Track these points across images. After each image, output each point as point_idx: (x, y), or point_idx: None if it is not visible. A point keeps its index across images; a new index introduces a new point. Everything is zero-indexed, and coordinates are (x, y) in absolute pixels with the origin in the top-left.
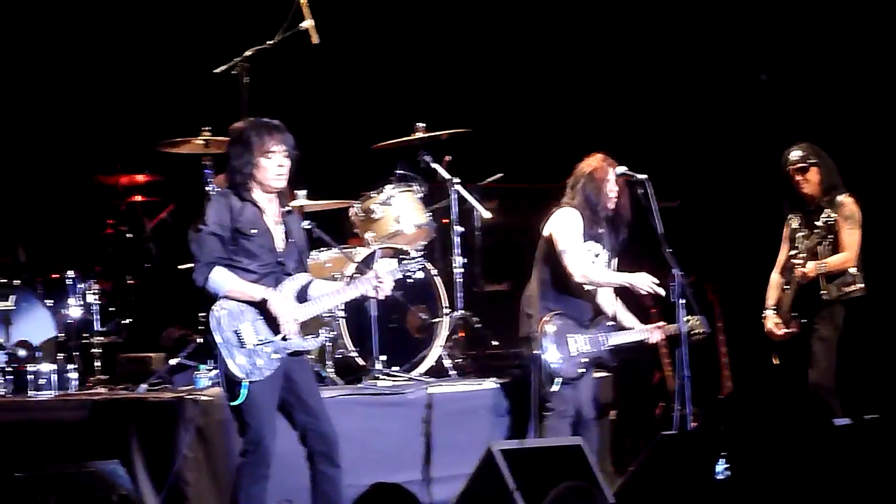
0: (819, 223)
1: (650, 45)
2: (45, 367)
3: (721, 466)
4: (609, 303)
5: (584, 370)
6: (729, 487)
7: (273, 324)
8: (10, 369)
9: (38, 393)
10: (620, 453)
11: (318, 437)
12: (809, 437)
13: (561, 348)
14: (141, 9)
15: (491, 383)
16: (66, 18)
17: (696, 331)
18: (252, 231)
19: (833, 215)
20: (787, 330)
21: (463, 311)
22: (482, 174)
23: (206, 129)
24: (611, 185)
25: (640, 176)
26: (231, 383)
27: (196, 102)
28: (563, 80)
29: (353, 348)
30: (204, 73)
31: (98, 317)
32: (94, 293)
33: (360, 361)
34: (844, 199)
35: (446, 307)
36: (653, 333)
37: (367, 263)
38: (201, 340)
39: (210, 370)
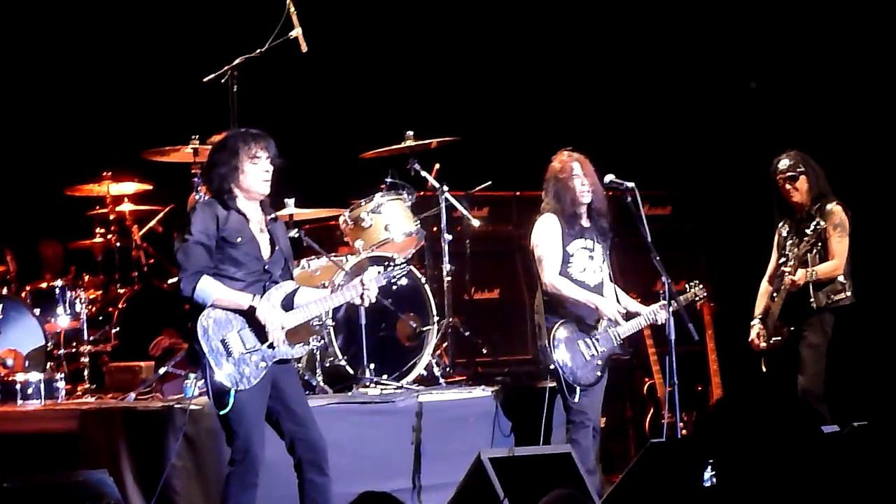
0: (809, 231)
1: (640, 53)
2: (34, 376)
3: (709, 474)
4: (612, 292)
5: (600, 374)
6: (718, 495)
7: (260, 332)
8: None
9: (26, 402)
10: (610, 460)
11: (307, 445)
12: (798, 443)
13: (575, 356)
14: (130, 17)
15: (481, 391)
16: (56, 27)
17: (699, 296)
18: (238, 239)
19: (822, 223)
20: (764, 345)
21: (452, 319)
22: (471, 182)
23: (195, 137)
24: (578, 179)
25: (628, 184)
26: (219, 392)
27: (185, 111)
28: (553, 88)
29: (343, 357)
30: (193, 81)
31: (86, 326)
32: (82, 302)
33: (350, 370)
34: (834, 207)
35: (436, 315)
36: (659, 313)
37: (355, 272)
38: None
39: (199, 379)
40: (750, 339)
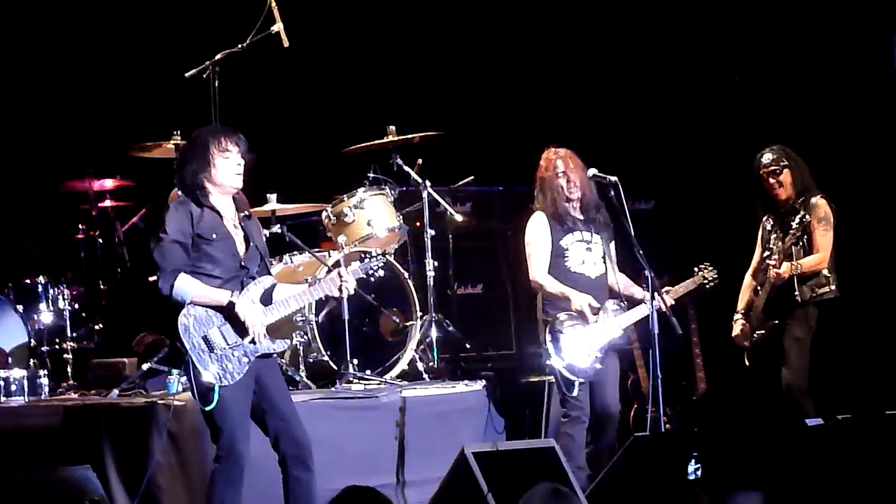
0: (793, 224)
1: (623, 46)
2: (17, 372)
3: (693, 467)
4: (617, 281)
5: (600, 365)
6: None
7: (240, 328)
8: None
9: (9, 399)
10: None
11: (291, 441)
12: (782, 437)
13: (570, 349)
14: (111, 13)
15: (464, 386)
16: (36, 24)
17: (708, 280)
18: (213, 236)
19: (807, 217)
20: (748, 343)
21: (436, 315)
22: (454, 177)
23: (177, 133)
24: (562, 177)
25: (611, 178)
26: (203, 389)
27: (167, 106)
28: (535, 82)
29: (326, 352)
30: (175, 76)
31: (70, 322)
32: (65, 298)
33: (333, 365)
34: (818, 200)
35: (419, 311)
36: (661, 300)
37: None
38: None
39: (182, 375)
40: (734, 335)
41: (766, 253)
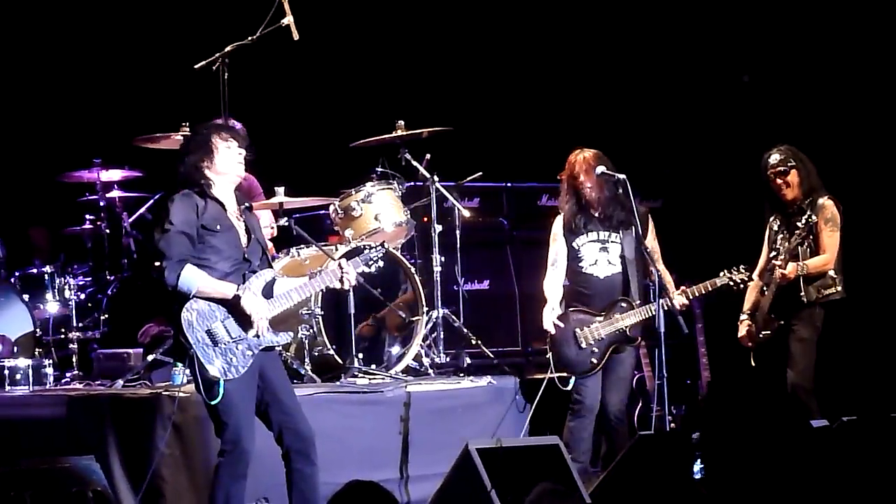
0: (800, 225)
1: (632, 44)
2: (22, 362)
3: (698, 466)
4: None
5: (597, 360)
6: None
7: (244, 321)
8: None
9: (14, 388)
10: (598, 453)
11: (294, 434)
12: (787, 438)
13: (568, 344)
14: (121, 4)
15: (469, 382)
16: (46, 15)
17: (737, 281)
18: (217, 227)
19: (814, 217)
20: (752, 344)
21: (443, 310)
22: (462, 173)
23: (186, 124)
24: (574, 179)
25: (619, 175)
26: (207, 383)
27: (175, 98)
28: (545, 79)
29: (331, 346)
30: (184, 68)
31: (75, 312)
32: (71, 289)
33: (339, 359)
34: (825, 201)
35: (425, 306)
36: (675, 299)
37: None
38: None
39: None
40: (739, 336)
41: (773, 253)
